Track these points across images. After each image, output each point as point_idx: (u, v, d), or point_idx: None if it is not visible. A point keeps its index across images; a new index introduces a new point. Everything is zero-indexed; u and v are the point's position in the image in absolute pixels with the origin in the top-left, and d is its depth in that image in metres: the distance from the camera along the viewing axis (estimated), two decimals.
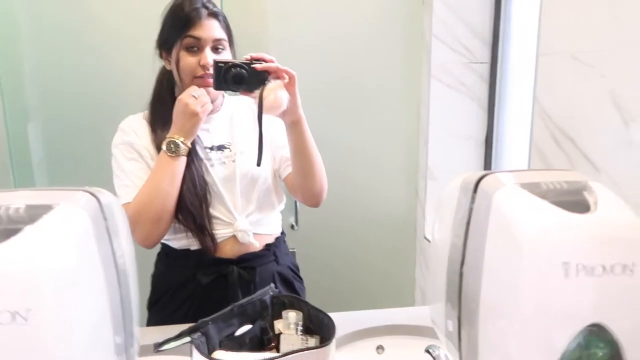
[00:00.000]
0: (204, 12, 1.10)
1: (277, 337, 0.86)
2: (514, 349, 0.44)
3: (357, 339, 1.05)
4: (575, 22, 1.02)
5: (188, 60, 1.10)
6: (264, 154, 1.12)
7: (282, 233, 1.29)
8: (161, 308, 1.21)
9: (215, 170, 1.15)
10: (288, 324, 0.86)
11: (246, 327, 0.84)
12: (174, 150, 1.07)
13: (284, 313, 0.86)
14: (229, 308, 0.81)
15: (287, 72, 1.02)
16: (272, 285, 0.89)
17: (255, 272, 1.17)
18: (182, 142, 1.07)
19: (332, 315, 1.16)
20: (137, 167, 1.12)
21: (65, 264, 0.38)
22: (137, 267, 0.55)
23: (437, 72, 1.78)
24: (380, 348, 1.03)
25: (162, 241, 1.19)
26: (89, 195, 0.46)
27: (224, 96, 1.23)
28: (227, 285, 1.15)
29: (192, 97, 1.06)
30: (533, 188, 0.48)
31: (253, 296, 0.85)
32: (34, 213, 0.41)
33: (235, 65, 1.02)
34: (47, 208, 0.41)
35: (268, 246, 1.21)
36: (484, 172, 0.51)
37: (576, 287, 0.42)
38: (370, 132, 1.91)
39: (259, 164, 1.03)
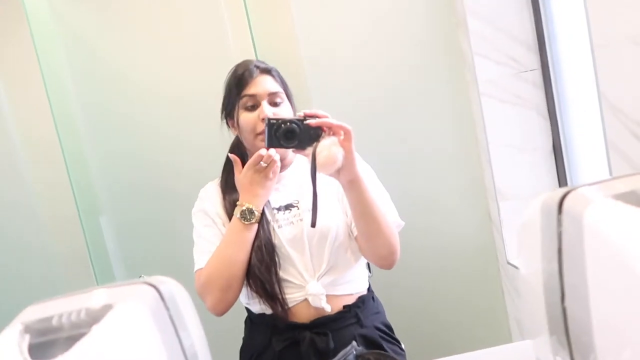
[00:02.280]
0: (255, 70, 1.14)
1: None
2: None
3: None
4: (626, 4, 0.95)
5: (247, 118, 1.13)
6: (334, 208, 1.12)
7: (369, 290, 1.23)
8: None
9: (283, 231, 1.13)
10: None
11: None
12: (248, 218, 1.08)
13: None
14: None
15: (342, 128, 0.99)
16: (354, 343, 0.84)
17: (328, 339, 1.10)
18: (255, 209, 1.08)
19: None
20: (211, 234, 1.15)
21: None
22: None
23: (485, 88, 1.71)
24: None
25: (245, 305, 1.20)
26: (147, 287, 0.44)
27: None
28: (300, 353, 1.10)
29: (260, 163, 1.07)
30: (629, 198, 0.41)
31: (337, 358, 0.80)
32: (95, 316, 0.40)
33: (287, 122, 1.01)
34: (107, 308, 0.40)
35: (347, 307, 1.15)
36: (565, 190, 0.45)
37: None
38: (428, 164, 1.85)
39: (313, 225, 1.00)
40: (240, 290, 1.12)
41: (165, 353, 0.42)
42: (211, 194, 1.20)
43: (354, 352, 0.82)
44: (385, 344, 1.17)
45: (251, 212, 1.08)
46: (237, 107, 1.13)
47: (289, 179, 1.19)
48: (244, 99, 1.12)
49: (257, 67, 1.15)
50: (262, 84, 1.13)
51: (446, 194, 1.86)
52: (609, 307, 0.40)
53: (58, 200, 1.77)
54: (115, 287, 0.44)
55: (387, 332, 1.21)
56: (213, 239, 1.14)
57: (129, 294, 0.43)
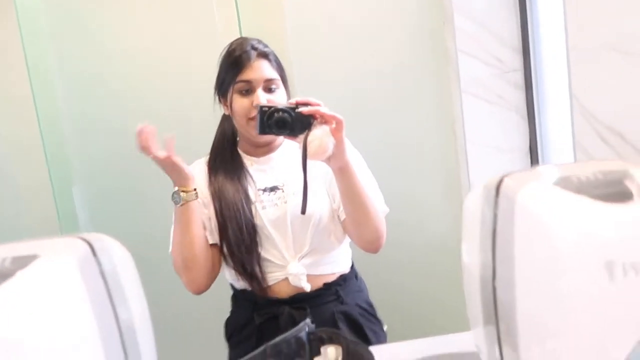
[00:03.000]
0: (253, 54, 1.12)
1: None
2: None
3: None
4: (603, 11, 0.96)
5: (241, 103, 1.12)
6: (319, 193, 1.13)
7: (352, 269, 1.24)
8: (232, 347, 1.24)
9: (267, 212, 1.14)
10: None
11: None
12: (177, 200, 1.09)
13: (322, 349, 0.81)
14: (261, 349, 0.77)
15: (334, 118, 0.99)
16: (308, 320, 0.84)
17: (306, 313, 1.12)
18: (181, 189, 1.08)
19: (383, 346, 1.10)
20: None
21: (45, 324, 0.36)
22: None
23: (468, 86, 1.72)
24: None
25: (230, 282, 1.23)
26: (80, 241, 0.44)
27: None
28: (279, 327, 1.11)
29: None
30: (563, 183, 0.42)
31: (287, 334, 0.80)
32: (21, 264, 0.39)
33: (279, 110, 1.01)
34: (33, 258, 0.40)
35: (327, 285, 1.17)
36: (503, 174, 0.46)
37: (626, 290, 0.36)
38: (406, 159, 1.86)
39: (303, 212, 1.00)
40: (205, 269, 1.13)
41: (91, 308, 0.41)
42: (198, 172, 1.19)
43: (307, 329, 0.82)
44: (365, 322, 1.19)
45: (178, 194, 1.08)
46: (231, 90, 1.12)
47: (277, 161, 1.19)
48: (239, 84, 1.11)
49: (255, 49, 1.13)
50: (259, 70, 1.11)
51: (421, 189, 1.87)
52: (531, 289, 0.40)
53: (31, 168, 1.74)
54: (47, 239, 0.44)
55: (369, 311, 1.23)
56: None
57: (59, 246, 0.42)
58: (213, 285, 1.21)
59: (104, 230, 1.64)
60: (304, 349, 0.82)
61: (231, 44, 1.16)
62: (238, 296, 1.23)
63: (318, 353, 0.82)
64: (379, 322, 1.25)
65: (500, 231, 0.45)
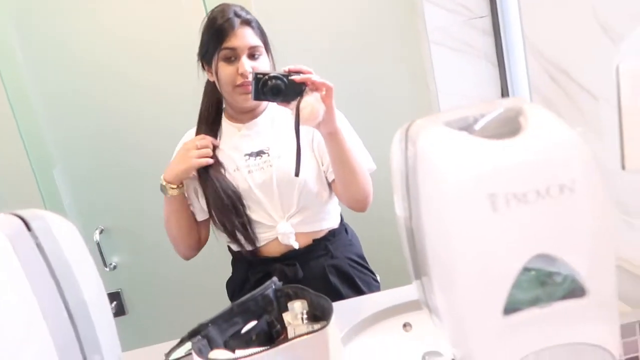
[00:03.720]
0: (236, 21, 1.13)
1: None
2: (461, 300, 0.41)
3: (383, 319, 1.02)
4: None
5: (227, 71, 1.14)
6: (305, 156, 1.16)
7: (342, 223, 1.30)
8: None
9: (254, 176, 1.18)
10: (295, 314, 0.85)
11: (252, 324, 0.83)
12: (163, 191, 1.17)
13: (289, 304, 0.85)
14: (227, 307, 0.81)
15: (324, 85, 1.04)
16: (275, 278, 0.88)
17: (296, 268, 1.19)
18: (167, 185, 1.15)
19: (359, 298, 1.15)
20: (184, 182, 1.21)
21: None
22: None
23: (435, 36, 1.71)
24: (407, 325, 1.00)
25: (227, 244, 1.28)
26: (12, 217, 0.46)
27: None
28: None
29: (196, 146, 1.15)
30: (459, 124, 0.44)
31: (253, 292, 0.84)
32: None
33: (273, 77, 1.05)
34: None
35: (317, 240, 1.22)
36: (412, 120, 0.48)
37: (509, 219, 0.38)
38: (380, 115, 1.86)
39: (297, 174, 1.05)
40: (190, 246, 1.25)
41: (29, 285, 0.44)
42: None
43: (273, 287, 0.86)
44: (357, 274, 1.26)
45: (163, 187, 1.16)
46: (216, 58, 1.14)
47: (262, 126, 1.22)
48: (224, 52, 1.13)
49: (238, 16, 1.14)
50: (243, 37, 1.13)
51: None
52: (433, 229, 0.43)
53: (10, 155, 1.75)
54: None
55: (360, 263, 1.29)
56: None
57: None
58: (215, 249, 1.30)
59: (89, 209, 1.67)
60: (272, 305, 0.86)
61: (212, 11, 1.17)
62: (235, 257, 1.29)
63: (286, 308, 0.86)
64: (371, 273, 1.31)
65: (410, 175, 0.47)
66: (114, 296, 1.85)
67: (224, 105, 1.25)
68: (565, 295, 0.40)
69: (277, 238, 1.19)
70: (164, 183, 1.16)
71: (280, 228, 1.18)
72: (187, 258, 1.26)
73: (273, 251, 1.21)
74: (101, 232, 1.80)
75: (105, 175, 1.79)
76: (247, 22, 1.14)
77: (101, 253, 1.78)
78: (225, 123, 1.23)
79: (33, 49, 1.72)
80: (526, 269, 0.39)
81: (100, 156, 1.78)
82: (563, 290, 0.40)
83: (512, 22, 1.65)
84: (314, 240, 1.22)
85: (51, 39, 1.71)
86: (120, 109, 1.76)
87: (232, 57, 1.13)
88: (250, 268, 1.23)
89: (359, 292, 1.24)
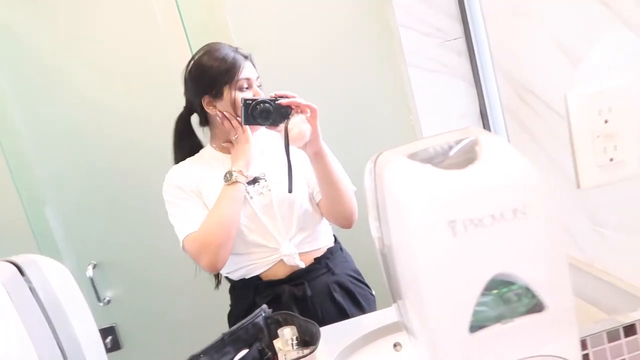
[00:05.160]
0: (241, 57, 1.23)
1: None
2: (430, 320, 0.44)
3: (373, 340, 1.04)
4: None
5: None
6: (299, 179, 1.22)
7: (336, 242, 1.33)
8: None
9: (255, 201, 1.22)
10: (285, 340, 0.87)
11: (243, 352, 0.85)
12: (228, 178, 1.18)
13: (279, 331, 0.87)
14: (218, 338, 0.83)
15: (309, 107, 1.12)
16: (264, 306, 0.91)
17: (304, 287, 1.23)
18: (236, 171, 1.18)
19: (349, 321, 1.17)
20: (191, 203, 1.23)
21: None
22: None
23: (412, 59, 1.77)
24: (397, 345, 1.02)
25: (225, 275, 1.29)
26: (6, 264, 0.49)
27: None
28: (282, 304, 1.21)
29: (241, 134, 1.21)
30: (420, 156, 0.47)
31: (243, 321, 0.87)
32: None
33: (261, 102, 1.13)
34: None
35: (318, 259, 1.26)
36: (379, 152, 0.51)
37: (468, 243, 0.42)
38: (366, 139, 1.90)
39: (290, 191, 1.10)
40: (231, 249, 1.20)
41: (24, 326, 0.46)
42: (178, 171, 1.27)
43: (263, 314, 0.88)
44: (356, 289, 1.30)
45: (230, 173, 1.18)
46: (232, 89, 1.20)
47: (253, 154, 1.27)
48: (241, 81, 1.21)
49: (239, 53, 1.23)
50: (251, 69, 1.23)
51: None
52: (401, 256, 0.46)
53: (1, 194, 1.76)
54: None
55: (357, 278, 1.33)
56: (196, 207, 1.22)
57: None
58: (209, 282, 1.30)
59: (82, 244, 1.67)
60: (262, 333, 0.88)
61: (209, 51, 1.23)
62: (236, 286, 1.30)
63: (276, 335, 0.88)
64: (368, 288, 1.35)
65: (380, 203, 0.50)
66: (109, 331, 1.84)
67: (210, 139, 1.29)
68: (526, 311, 0.43)
69: (281, 260, 1.23)
70: (234, 168, 1.19)
71: (284, 249, 1.22)
72: (219, 267, 1.21)
73: (278, 273, 1.24)
74: (94, 267, 1.81)
75: (96, 210, 1.80)
76: (246, 56, 1.25)
77: (95, 288, 1.78)
78: (216, 154, 1.27)
79: (21, 87, 1.75)
80: (489, 288, 0.42)
81: (91, 191, 1.79)
82: (524, 306, 0.43)
83: (484, 43, 1.71)
84: (315, 259, 1.26)
85: (39, 76, 1.74)
86: (110, 144, 1.78)
87: (246, 86, 1.22)
88: (257, 293, 1.25)
89: (359, 306, 1.28)
